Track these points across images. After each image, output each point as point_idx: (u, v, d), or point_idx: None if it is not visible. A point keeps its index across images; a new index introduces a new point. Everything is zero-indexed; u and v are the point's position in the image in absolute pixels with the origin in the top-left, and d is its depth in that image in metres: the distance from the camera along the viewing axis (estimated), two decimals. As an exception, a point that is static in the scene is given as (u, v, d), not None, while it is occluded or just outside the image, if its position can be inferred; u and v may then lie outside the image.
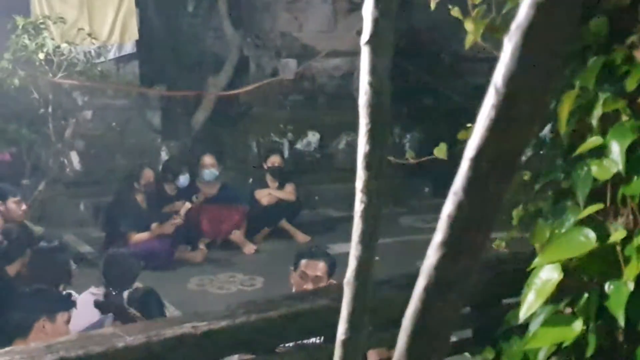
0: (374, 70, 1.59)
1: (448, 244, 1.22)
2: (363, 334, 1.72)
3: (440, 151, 3.19)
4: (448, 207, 1.21)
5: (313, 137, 10.64)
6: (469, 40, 2.95)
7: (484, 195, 1.17)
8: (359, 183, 1.65)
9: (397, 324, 1.42)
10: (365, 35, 1.55)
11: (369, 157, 1.62)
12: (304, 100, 10.91)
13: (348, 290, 1.70)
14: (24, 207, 7.19)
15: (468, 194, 1.17)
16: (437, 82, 10.75)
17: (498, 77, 1.12)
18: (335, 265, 4.93)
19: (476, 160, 1.17)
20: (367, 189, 1.64)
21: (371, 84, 1.61)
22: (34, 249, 5.86)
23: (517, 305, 2.66)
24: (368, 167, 1.63)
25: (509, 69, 1.11)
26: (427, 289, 1.28)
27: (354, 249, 1.70)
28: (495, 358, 3.03)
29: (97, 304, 4.94)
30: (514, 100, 1.11)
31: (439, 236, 1.24)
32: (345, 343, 1.68)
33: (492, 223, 1.21)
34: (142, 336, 2.72)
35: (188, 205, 8.48)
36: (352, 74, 10.84)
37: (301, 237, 8.95)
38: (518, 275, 2.69)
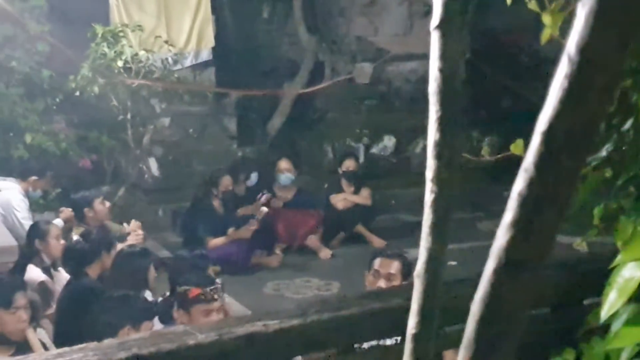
0: (444, 56, 1.54)
1: (519, 223, 1.16)
2: (434, 328, 1.66)
3: (517, 147, 3.10)
4: (519, 185, 1.16)
5: (389, 141, 10.57)
6: (545, 35, 2.86)
7: (556, 171, 1.11)
8: (429, 173, 1.60)
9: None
10: (435, 20, 1.50)
11: (439, 145, 1.56)
12: (379, 104, 10.85)
13: (418, 283, 1.64)
14: (107, 204, 7.36)
15: (540, 170, 1.11)
16: (516, 84, 10.57)
17: (571, 45, 1.06)
18: (411, 267, 4.84)
19: (548, 133, 1.11)
20: (438, 179, 1.59)
21: (441, 70, 1.56)
22: (117, 253, 5.93)
23: (598, 305, 2.56)
24: (438, 156, 1.57)
25: (582, 36, 1.04)
26: (497, 271, 1.22)
27: (424, 241, 1.64)
28: (576, 359, 2.93)
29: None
30: (588, 70, 1.05)
31: (509, 216, 1.18)
32: (415, 337, 1.63)
33: (567, 201, 1.14)
34: (214, 334, 2.70)
35: (264, 209, 8.50)
36: (427, 77, 10.74)
37: (377, 242, 8.87)
38: (598, 274, 2.59)
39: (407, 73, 10.87)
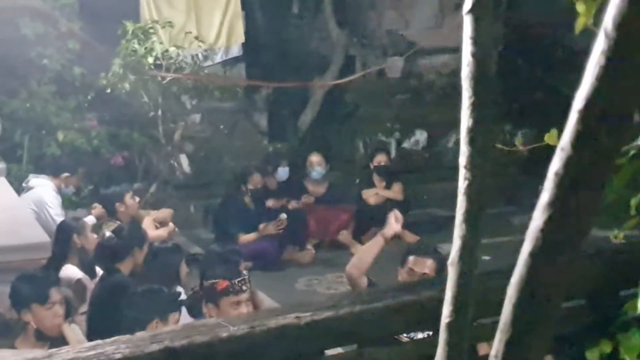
0: (476, 40, 1.51)
1: (555, 204, 1.14)
2: (468, 316, 1.64)
3: (552, 138, 3.05)
4: (555, 164, 1.13)
5: (421, 136, 10.51)
6: (579, 24, 2.81)
7: (594, 150, 1.08)
8: (462, 159, 1.57)
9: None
10: (468, 4, 1.48)
11: (472, 131, 1.54)
12: (411, 99, 10.79)
13: (452, 271, 1.62)
14: (137, 199, 7.42)
15: (576, 149, 1.08)
16: (549, 76, 10.47)
17: (608, 20, 1.03)
18: (445, 263, 4.80)
19: (585, 111, 1.08)
20: (471, 165, 1.56)
21: (474, 55, 1.53)
22: (150, 249, 5.96)
23: (635, 296, 2.52)
24: (472, 142, 1.55)
25: (619, 11, 1.01)
26: (533, 254, 1.20)
27: (457, 229, 1.62)
28: (613, 351, 2.88)
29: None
30: (625, 45, 1.02)
31: (545, 196, 1.15)
32: (449, 326, 1.61)
33: (604, 182, 1.11)
34: (246, 326, 2.69)
35: (294, 204, 8.51)
36: (460, 71, 10.67)
37: (409, 237, 8.81)
38: (635, 265, 2.55)
39: (439, 66, 10.80)
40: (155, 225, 7.29)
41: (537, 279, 1.24)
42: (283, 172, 8.96)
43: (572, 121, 1.11)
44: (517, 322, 1.26)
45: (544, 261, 1.22)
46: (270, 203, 8.62)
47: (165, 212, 7.82)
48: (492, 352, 1.30)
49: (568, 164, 1.09)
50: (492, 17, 1.54)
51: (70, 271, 5.86)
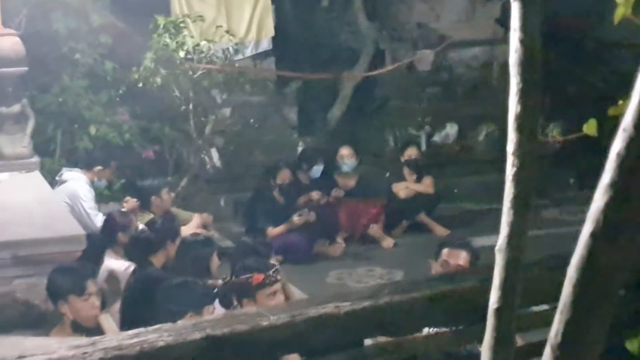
0: (524, 27, 1.50)
1: (617, 185, 1.12)
2: (516, 302, 1.63)
3: (590, 127, 3.02)
4: (617, 145, 1.11)
5: (451, 129, 10.45)
6: (618, 14, 2.77)
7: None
8: (511, 146, 1.57)
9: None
10: (516, -9, 1.48)
11: (520, 118, 1.53)
12: (441, 92, 10.74)
13: (500, 257, 1.61)
14: (172, 195, 7.49)
15: (639, 130, 1.07)
16: (580, 69, 10.39)
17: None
18: (479, 256, 4.79)
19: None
20: (520, 151, 1.56)
21: (522, 41, 1.53)
22: (181, 241, 5.98)
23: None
24: (520, 128, 1.55)
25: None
26: (594, 235, 1.18)
27: (505, 215, 1.61)
28: (655, 341, 2.85)
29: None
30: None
31: (606, 177, 1.14)
32: (497, 312, 1.60)
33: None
34: (286, 315, 2.69)
35: (318, 194, 8.52)
36: (491, 64, 10.62)
37: (440, 231, 8.81)
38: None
39: (469, 59, 10.74)
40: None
41: (597, 260, 1.23)
42: (317, 170, 8.95)
43: (634, 102, 1.10)
44: (577, 302, 1.25)
45: (604, 242, 1.21)
46: (302, 199, 8.61)
47: (209, 218, 7.93)
48: (552, 333, 1.29)
49: (630, 144, 1.08)
50: (539, 4, 1.53)
51: (115, 263, 5.92)
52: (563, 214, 9.12)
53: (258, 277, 4.78)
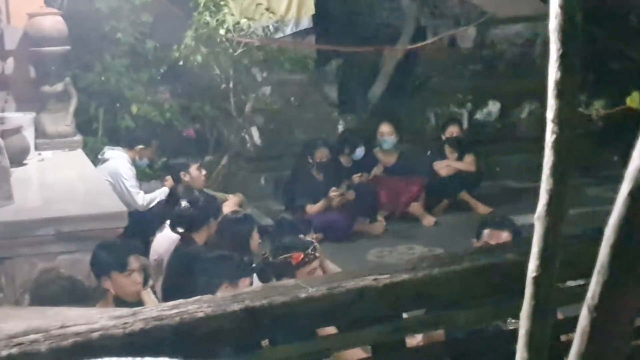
0: (564, -8, 1.47)
1: (656, 143, 1.10)
2: (555, 271, 1.61)
3: (634, 100, 2.97)
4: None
5: (493, 107, 10.37)
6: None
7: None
8: (550, 113, 1.55)
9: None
10: (554, -44, 1.44)
11: (560, 83, 1.51)
12: (483, 69, 10.65)
13: (539, 225, 1.59)
14: (203, 172, 7.48)
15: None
16: (624, 45, 10.21)
17: None
18: (521, 235, 4.74)
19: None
20: (559, 118, 1.53)
21: (562, 6, 1.50)
22: (221, 218, 6.02)
23: None
24: (560, 94, 1.52)
25: None
26: (632, 194, 1.16)
27: (544, 183, 1.58)
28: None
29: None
30: None
31: (645, 137, 1.11)
32: (536, 280, 1.58)
33: None
34: (324, 287, 2.69)
35: (360, 177, 8.50)
36: (533, 40, 10.49)
37: (482, 209, 8.74)
38: None
39: (512, 36, 10.62)
40: None
41: (635, 219, 1.21)
42: (360, 152, 8.92)
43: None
44: (614, 263, 1.23)
45: (643, 200, 1.18)
46: (344, 184, 8.59)
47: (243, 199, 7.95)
48: (588, 294, 1.27)
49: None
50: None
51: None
52: (607, 192, 9.00)
53: (297, 256, 4.81)
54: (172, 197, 6.46)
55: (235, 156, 9.25)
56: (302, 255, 4.82)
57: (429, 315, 3.09)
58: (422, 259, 2.94)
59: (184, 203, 6.05)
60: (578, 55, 1.53)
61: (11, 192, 5.50)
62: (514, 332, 2.46)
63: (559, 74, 1.52)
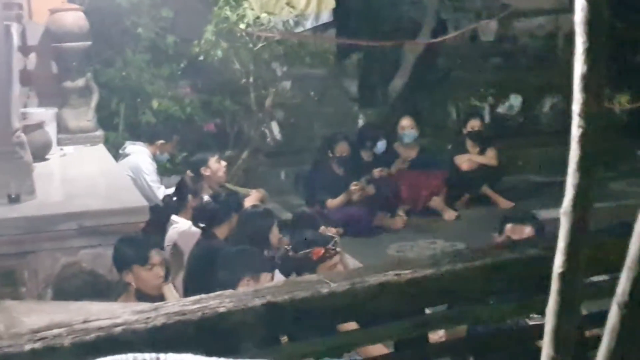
0: (590, -16, 1.45)
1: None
2: (581, 267, 1.59)
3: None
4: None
5: (515, 100, 10.30)
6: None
7: None
8: (576, 106, 1.53)
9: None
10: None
11: (587, 77, 1.49)
12: (505, 62, 10.59)
13: (565, 220, 1.57)
14: (223, 163, 7.47)
15: None
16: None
17: None
18: (544, 230, 4.71)
19: None
20: (586, 112, 1.52)
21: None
22: (241, 212, 6.02)
23: None
24: (586, 88, 1.50)
25: None
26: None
27: (571, 177, 1.57)
28: None
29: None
30: None
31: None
32: (563, 276, 1.56)
33: None
34: (346, 283, 2.68)
35: (380, 171, 8.48)
36: (556, 33, 10.41)
37: (504, 203, 8.70)
38: None
39: (534, 29, 10.55)
40: None
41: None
42: (381, 146, 8.90)
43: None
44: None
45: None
46: (376, 172, 8.57)
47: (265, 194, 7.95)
48: (618, 291, 1.25)
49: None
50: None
51: (182, 222, 6.01)
52: (630, 186, 8.94)
53: (318, 251, 4.81)
54: (182, 189, 6.48)
55: (255, 151, 9.24)
56: (323, 250, 4.82)
57: (451, 310, 3.07)
58: (444, 255, 2.92)
59: (205, 198, 6.05)
60: (604, 48, 1.52)
61: (34, 187, 5.52)
62: (538, 328, 2.45)
63: (585, 68, 1.51)
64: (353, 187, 8.19)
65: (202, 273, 5.02)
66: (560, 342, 1.52)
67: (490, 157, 9.02)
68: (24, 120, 6.37)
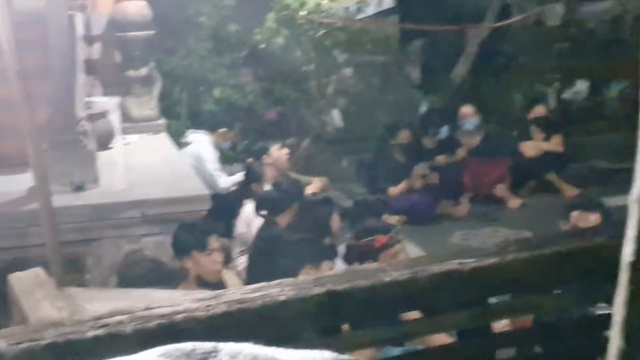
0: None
1: None
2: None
3: None
4: None
5: (582, 86, 10.10)
6: None
7: None
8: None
9: None
10: None
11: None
12: (571, 47, 10.38)
13: (635, 208, 1.51)
14: (285, 150, 7.45)
15: None
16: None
17: None
18: (612, 217, 4.59)
19: None
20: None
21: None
22: (302, 200, 6.01)
23: None
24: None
25: None
26: None
27: (639, 164, 1.51)
28: None
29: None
30: None
31: None
32: (633, 265, 1.50)
33: None
34: (408, 272, 2.63)
35: (443, 159, 8.39)
36: (623, 17, 10.16)
37: (570, 191, 8.53)
38: None
39: (601, 13, 10.32)
40: None
41: None
42: (444, 133, 8.81)
43: None
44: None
45: None
46: (438, 159, 8.49)
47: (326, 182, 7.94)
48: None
49: None
50: None
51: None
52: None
53: (381, 240, 4.77)
54: (251, 175, 6.54)
55: (316, 139, 9.23)
56: (385, 239, 4.78)
57: (516, 300, 3.00)
58: (509, 243, 2.85)
59: (267, 187, 6.06)
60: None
61: (97, 176, 5.59)
62: (605, 318, 2.37)
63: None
64: (417, 170, 8.11)
65: (263, 261, 5.02)
66: (630, 333, 1.46)
67: (555, 144, 8.85)
68: (88, 109, 6.45)
